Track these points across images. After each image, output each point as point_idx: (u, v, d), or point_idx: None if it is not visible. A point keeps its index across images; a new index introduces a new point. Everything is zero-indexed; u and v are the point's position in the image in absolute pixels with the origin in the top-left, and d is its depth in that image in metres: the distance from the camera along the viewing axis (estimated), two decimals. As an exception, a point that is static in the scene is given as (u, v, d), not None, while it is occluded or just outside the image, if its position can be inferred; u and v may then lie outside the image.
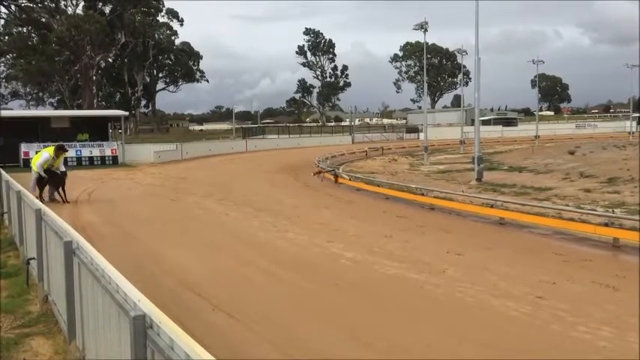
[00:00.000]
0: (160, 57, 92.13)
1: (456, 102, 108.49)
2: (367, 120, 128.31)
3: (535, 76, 72.46)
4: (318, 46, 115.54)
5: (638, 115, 75.70)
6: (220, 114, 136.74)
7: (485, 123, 70.63)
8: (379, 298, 7.95)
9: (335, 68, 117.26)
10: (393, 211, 15.73)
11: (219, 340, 6.18)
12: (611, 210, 13.96)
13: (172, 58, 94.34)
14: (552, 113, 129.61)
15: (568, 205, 14.87)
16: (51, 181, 16.37)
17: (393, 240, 11.68)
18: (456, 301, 7.67)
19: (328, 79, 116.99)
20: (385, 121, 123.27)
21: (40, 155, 16.48)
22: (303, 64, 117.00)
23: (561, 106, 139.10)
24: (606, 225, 10.99)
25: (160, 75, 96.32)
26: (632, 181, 19.39)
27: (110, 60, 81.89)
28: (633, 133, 60.07)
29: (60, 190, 16.44)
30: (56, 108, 76.82)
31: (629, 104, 73.45)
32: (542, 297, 7.64)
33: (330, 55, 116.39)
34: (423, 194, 16.86)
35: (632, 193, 17.34)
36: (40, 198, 15.17)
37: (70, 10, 70.02)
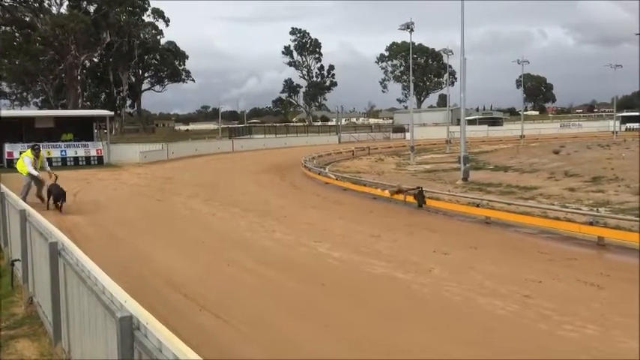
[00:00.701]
0: (146, 57, 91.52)
1: (442, 102, 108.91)
2: (354, 120, 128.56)
3: (520, 76, 73.02)
4: (304, 46, 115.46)
5: (621, 114, 76.57)
6: (206, 114, 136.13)
7: (471, 123, 71.07)
8: (366, 298, 7.96)
9: (321, 68, 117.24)
10: (379, 211, 15.77)
11: (206, 340, 6.16)
12: (595, 209, 14.10)
13: (158, 57, 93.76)
14: (537, 113, 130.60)
15: (553, 204, 14.98)
16: (54, 191, 15.53)
17: (380, 239, 11.70)
18: (443, 300, 7.71)
19: (315, 78, 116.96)
20: (372, 120, 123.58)
21: (23, 162, 16.14)
22: (290, 64, 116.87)
23: (546, 105, 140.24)
24: (591, 224, 11.09)
25: (146, 75, 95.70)
26: (616, 179, 19.61)
27: (95, 59, 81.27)
28: (617, 132, 60.72)
29: (58, 202, 15.38)
30: (40, 108, 76.08)
31: (613, 104, 74.22)
32: (529, 296, 7.70)
33: (317, 55, 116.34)
34: (409, 194, 16.89)
35: (616, 191, 17.53)
36: (47, 205, 15.48)
37: (54, 10, 69.48)
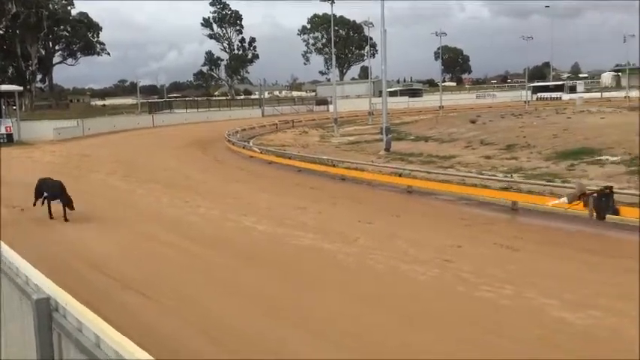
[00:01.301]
0: (56, 28, 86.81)
1: (364, 74, 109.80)
2: (277, 93, 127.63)
3: (438, 48, 74.64)
4: (224, 18, 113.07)
5: (532, 85, 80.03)
6: (124, 88, 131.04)
7: (392, 94, 72.14)
8: (293, 270, 8.02)
9: (243, 40, 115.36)
10: (305, 183, 15.84)
11: (131, 319, 6.02)
12: (509, 175, 14.75)
13: (69, 29, 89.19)
14: (455, 84, 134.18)
15: (471, 172, 15.55)
16: (44, 186, 11.53)
17: (306, 211, 11.78)
18: (368, 269, 7.88)
19: (236, 51, 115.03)
20: (295, 93, 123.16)
21: None
22: (210, 36, 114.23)
23: (463, 77, 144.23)
24: (505, 189, 11.62)
25: (57, 47, 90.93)
26: (528, 147, 20.53)
27: (0, 32, 76.42)
28: (528, 102, 63.46)
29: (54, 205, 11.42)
30: (-60, 83, 71.01)
31: (525, 75, 77.47)
32: (449, 260, 7.99)
33: (238, 27, 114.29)
34: (334, 165, 17.09)
35: (528, 158, 18.37)
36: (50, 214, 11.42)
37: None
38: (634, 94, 60.95)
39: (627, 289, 6.64)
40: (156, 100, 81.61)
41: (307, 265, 8.21)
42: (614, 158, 16.55)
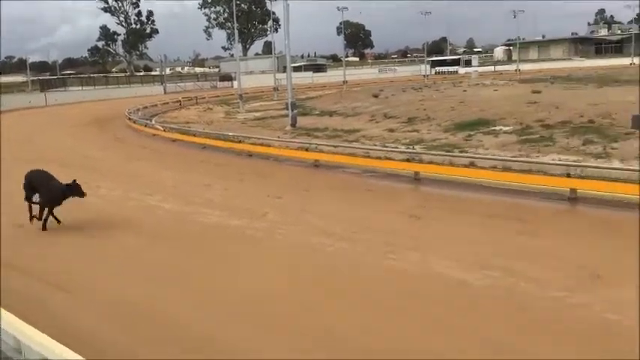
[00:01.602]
0: None
1: (268, 49, 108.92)
2: (179, 69, 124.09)
3: (340, 23, 75.14)
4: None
5: (431, 59, 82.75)
6: (12, 65, 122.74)
7: (296, 69, 72.04)
8: (202, 248, 7.91)
9: (139, 14, 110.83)
10: (210, 160, 15.61)
11: (35, 307, 5.71)
12: (412, 147, 15.23)
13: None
14: (357, 59, 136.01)
15: (375, 145, 15.91)
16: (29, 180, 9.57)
17: (212, 188, 11.64)
18: (277, 243, 7.92)
19: (133, 25, 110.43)
20: (198, 69, 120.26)
21: None
22: (105, 10, 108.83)
23: (365, 52, 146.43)
24: (408, 161, 12.00)
25: None
26: (428, 119, 21.24)
27: None
28: (427, 75, 65.58)
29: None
30: None
31: (424, 49, 79.89)
32: (357, 232, 8.18)
33: (134, 0, 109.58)
34: (240, 142, 16.91)
35: (429, 130, 19.01)
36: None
37: None
38: (524, 67, 64.64)
39: (521, 249, 7.11)
40: (48, 77, 77.20)
41: (216, 241, 8.13)
42: (507, 128, 17.48)
